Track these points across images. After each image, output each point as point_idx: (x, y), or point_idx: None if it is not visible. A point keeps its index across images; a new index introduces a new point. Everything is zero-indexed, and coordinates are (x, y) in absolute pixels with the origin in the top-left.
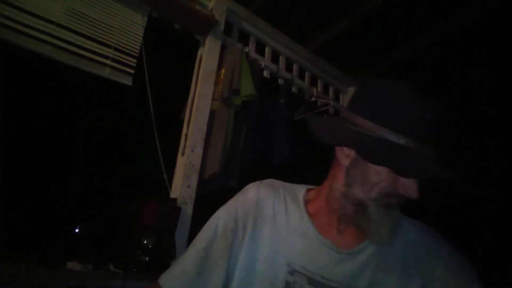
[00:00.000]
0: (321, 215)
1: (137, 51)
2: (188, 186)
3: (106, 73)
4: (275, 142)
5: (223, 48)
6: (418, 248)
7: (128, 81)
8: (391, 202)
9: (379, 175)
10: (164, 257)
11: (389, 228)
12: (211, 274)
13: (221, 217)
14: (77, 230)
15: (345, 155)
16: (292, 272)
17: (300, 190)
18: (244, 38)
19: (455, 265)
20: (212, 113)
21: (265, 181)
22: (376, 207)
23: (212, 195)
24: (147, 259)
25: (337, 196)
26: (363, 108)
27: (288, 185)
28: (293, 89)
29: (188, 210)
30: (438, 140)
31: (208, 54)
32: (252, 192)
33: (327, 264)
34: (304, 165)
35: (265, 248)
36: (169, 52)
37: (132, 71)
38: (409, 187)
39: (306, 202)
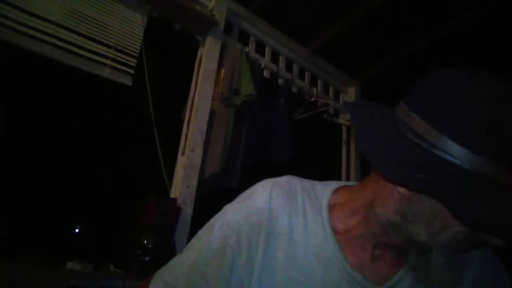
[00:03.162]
0: (352, 237)
1: (137, 51)
2: (188, 186)
3: (106, 73)
4: (275, 142)
5: (223, 48)
6: (479, 282)
7: (128, 81)
8: (464, 248)
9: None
10: (164, 257)
11: (454, 277)
12: None
13: (221, 226)
14: (77, 230)
15: None
16: None
17: (324, 193)
18: (244, 38)
19: None
20: (212, 113)
21: (278, 181)
22: (441, 254)
23: (212, 195)
24: (147, 259)
25: (382, 222)
26: (440, 116)
27: (308, 185)
28: (293, 89)
29: (188, 210)
30: None
31: (208, 54)
32: (262, 199)
33: None
34: (304, 165)
35: (280, 275)
36: (169, 52)
37: (132, 71)
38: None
39: (332, 209)
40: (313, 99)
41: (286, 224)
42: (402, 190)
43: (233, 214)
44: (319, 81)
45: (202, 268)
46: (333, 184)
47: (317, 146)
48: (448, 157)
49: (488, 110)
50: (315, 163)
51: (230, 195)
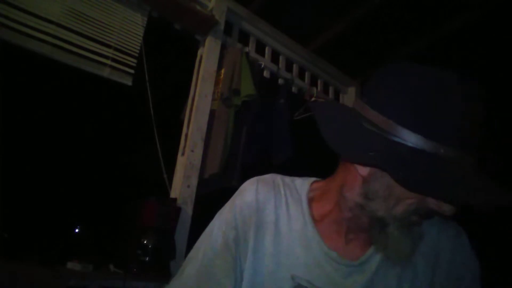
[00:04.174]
0: (328, 222)
1: (137, 51)
2: (188, 186)
3: (106, 73)
4: (275, 142)
5: (223, 48)
6: (433, 247)
7: (128, 81)
8: (417, 220)
9: (407, 192)
10: (164, 257)
11: (409, 247)
12: None
13: (219, 227)
14: (77, 230)
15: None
16: (297, 287)
17: (303, 186)
18: (244, 38)
19: (465, 267)
20: (212, 113)
21: (263, 178)
22: (398, 225)
23: (212, 195)
24: (147, 259)
25: (350, 206)
26: (386, 103)
27: (289, 180)
28: (293, 89)
29: (188, 210)
30: (482, 149)
31: (208, 54)
32: (250, 194)
33: (334, 279)
34: (304, 165)
35: (268, 260)
36: (169, 52)
37: (132, 71)
38: (443, 205)
39: (311, 201)
40: (313, 99)
41: (272, 214)
42: (362, 172)
43: (228, 213)
44: (319, 81)
45: (210, 270)
46: (310, 179)
47: (317, 146)
48: (396, 138)
49: (423, 96)
50: (315, 163)
51: (230, 195)
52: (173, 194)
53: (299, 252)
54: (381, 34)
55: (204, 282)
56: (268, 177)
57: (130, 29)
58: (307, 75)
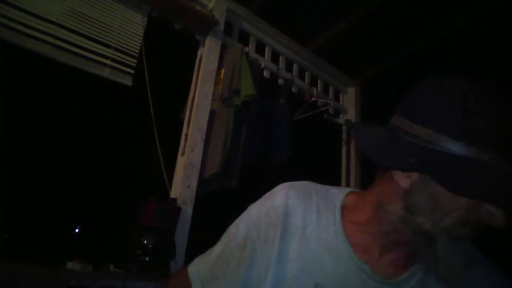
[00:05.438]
0: (362, 234)
1: (137, 51)
2: (188, 186)
3: (106, 73)
4: (275, 142)
5: (223, 48)
6: (475, 285)
7: (128, 81)
8: (468, 233)
9: (455, 201)
10: (164, 257)
11: (461, 266)
12: (226, 281)
13: (245, 223)
14: (77, 230)
15: (404, 175)
16: None
17: (338, 196)
18: (244, 38)
19: None
20: (212, 113)
21: (296, 184)
22: (447, 240)
23: (212, 195)
24: (147, 259)
25: (392, 219)
26: (426, 115)
27: (323, 189)
28: (293, 89)
29: (188, 210)
30: None
31: (208, 54)
32: (280, 199)
33: None
34: (304, 165)
35: (293, 266)
36: (169, 52)
37: (132, 71)
38: (496, 214)
39: (344, 211)
40: (313, 99)
41: (300, 220)
42: (403, 184)
43: (256, 211)
44: (319, 81)
45: (227, 256)
46: (347, 189)
47: (317, 146)
48: (436, 147)
49: (461, 104)
50: (315, 163)
51: (230, 195)
52: (173, 194)
53: (326, 261)
54: (381, 34)
55: (221, 266)
56: (301, 183)
57: (130, 29)
58: (307, 75)
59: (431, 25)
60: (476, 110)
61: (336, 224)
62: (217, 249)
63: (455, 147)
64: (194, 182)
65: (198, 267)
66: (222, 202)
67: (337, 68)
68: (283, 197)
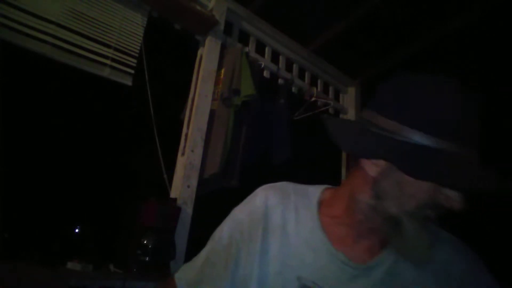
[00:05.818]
0: (337, 225)
1: (137, 51)
2: (188, 186)
3: (106, 73)
4: (275, 142)
5: (223, 48)
6: (451, 270)
7: (128, 81)
8: (428, 216)
9: (417, 186)
10: (164, 257)
11: (427, 245)
12: (213, 284)
13: (229, 225)
14: (77, 230)
15: (373, 164)
16: (302, 287)
17: (315, 193)
18: (244, 38)
19: None
20: (212, 113)
21: (274, 185)
22: (412, 222)
23: (212, 195)
24: (147, 259)
25: (362, 208)
26: (391, 108)
27: (301, 188)
28: (293, 89)
29: (188, 210)
30: (482, 143)
31: (208, 54)
32: (260, 200)
33: (339, 280)
34: (304, 165)
35: (275, 262)
36: (169, 52)
37: (132, 71)
38: (453, 197)
39: (321, 206)
40: (313, 99)
41: (280, 219)
42: (371, 172)
43: (238, 214)
44: (319, 81)
45: (213, 260)
46: (323, 186)
47: (317, 146)
48: (401, 138)
49: (422, 99)
50: (315, 163)
51: (230, 195)
52: (173, 194)
53: (306, 254)
54: (381, 34)
55: (208, 269)
56: (279, 184)
57: (130, 29)
58: (307, 75)
59: (431, 25)
60: (435, 102)
61: (314, 219)
62: (203, 254)
63: (416, 137)
64: (194, 182)
65: (184, 273)
66: (222, 202)
67: (337, 68)
68: (263, 198)
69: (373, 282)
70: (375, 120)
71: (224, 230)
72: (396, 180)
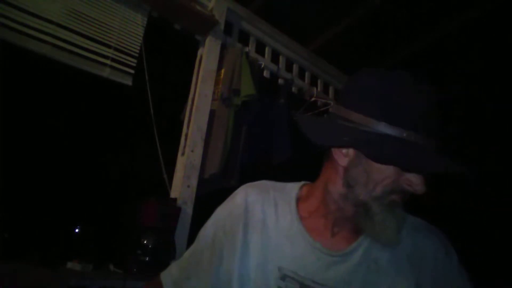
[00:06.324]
0: (315, 217)
1: (137, 51)
2: (188, 186)
3: (106, 73)
4: (275, 142)
5: (223, 48)
6: (424, 252)
7: (128, 81)
8: (395, 200)
9: (382, 173)
10: (164, 257)
11: (395, 228)
12: (199, 281)
13: (212, 223)
14: (77, 230)
15: (342, 155)
16: (283, 277)
17: (293, 189)
18: (244, 38)
19: (453, 273)
20: (212, 113)
21: (253, 183)
22: (380, 206)
23: (212, 195)
24: (147, 259)
25: (335, 198)
26: (356, 102)
27: (279, 185)
28: (293, 89)
29: (188, 210)
30: (441, 132)
31: (208, 54)
32: (240, 197)
33: (318, 268)
34: (304, 165)
35: (256, 255)
36: (169, 52)
37: (132, 71)
38: (414, 181)
39: (299, 201)
40: (313, 99)
41: (260, 213)
42: (342, 162)
43: (220, 213)
44: (319, 81)
45: (198, 257)
46: (301, 182)
47: (317, 146)
48: (366, 128)
49: (385, 92)
50: (314, 163)
51: (229, 195)
52: (173, 194)
53: (285, 246)
54: (381, 34)
55: (193, 266)
56: (258, 182)
57: (130, 29)
58: (307, 75)
59: (431, 25)
60: (395, 95)
61: (292, 212)
62: (188, 252)
63: (379, 127)
64: (194, 182)
65: (170, 271)
66: (222, 202)
67: (337, 68)
68: (243, 196)
69: (351, 267)
70: (342, 113)
71: (207, 229)
72: (364, 168)
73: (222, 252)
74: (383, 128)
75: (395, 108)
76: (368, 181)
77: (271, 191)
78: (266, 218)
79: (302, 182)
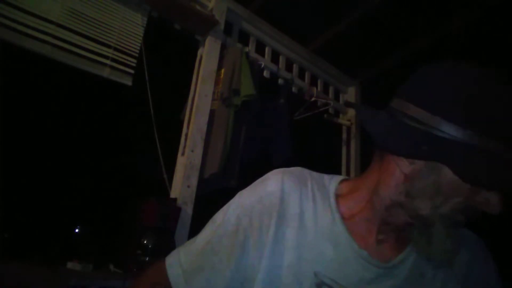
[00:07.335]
0: (358, 220)
1: (137, 51)
2: (188, 186)
3: (106, 73)
4: (275, 142)
5: (223, 48)
6: (471, 270)
7: (128, 81)
8: (462, 220)
9: (458, 188)
10: (164, 257)
11: (453, 251)
12: (214, 273)
13: (234, 209)
14: (77, 230)
15: (408, 161)
16: (319, 284)
17: (331, 182)
18: (244, 38)
19: (491, 283)
20: (212, 113)
21: (290, 170)
22: (443, 225)
23: (212, 195)
24: (147, 259)
25: (385, 204)
26: (432, 101)
27: (317, 176)
28: (293, 89)
29: (188, 210)
30: None
31: (208, 54)
32: (275, 184)
33: (362, 280)
34: (304, 165)
35: (290, 253)
36: (169, 52)
37: (132, 71)
38: (492, 201)
39: (338, 198)
40: (313, 99)
41: (297, 207)
42: (404, 169)
43: (246, 198)
44: (319, 81)
45: (216, 246)
46: (339, 177)
47: (317, 146)
48: (444, 134)
49: (469, 92)
50: (315, 163)
51: (230, 195)
52: (173, 194)
53: (325, 249)
54: (381, 34)
55: (208, 256)
56: (295, 169)
57: (130, 29)
58: (307, 75)
59: (431, 25)
60: (483, 98)
61: (333, 211)
62: (201, 238)
63: (462, 135)
64: (194, 182)
65: (179, 258)
66: (222, 202)
67: (337, 68)
68: (278, 183)
69: (398, 281)
70: (411, 112)
71: (229, 214)
72: (435, 180)
73: (246, 244)
74: (469, 136)
75: (483, 113)
76: (436, 195)
77: (309, 181)
78: (304, 213)
79: (341, 177)
